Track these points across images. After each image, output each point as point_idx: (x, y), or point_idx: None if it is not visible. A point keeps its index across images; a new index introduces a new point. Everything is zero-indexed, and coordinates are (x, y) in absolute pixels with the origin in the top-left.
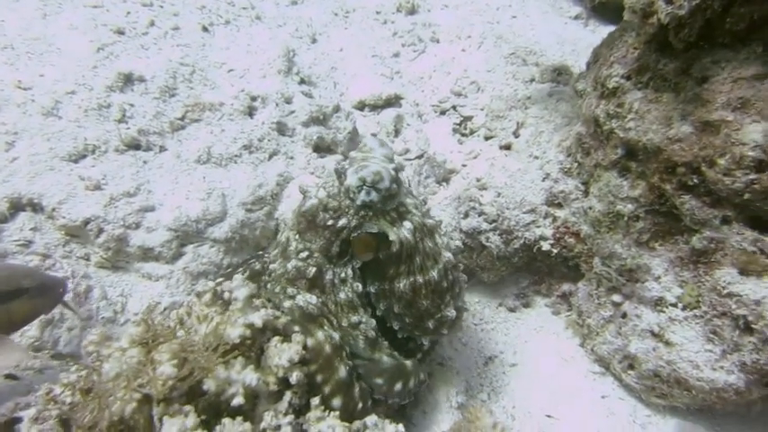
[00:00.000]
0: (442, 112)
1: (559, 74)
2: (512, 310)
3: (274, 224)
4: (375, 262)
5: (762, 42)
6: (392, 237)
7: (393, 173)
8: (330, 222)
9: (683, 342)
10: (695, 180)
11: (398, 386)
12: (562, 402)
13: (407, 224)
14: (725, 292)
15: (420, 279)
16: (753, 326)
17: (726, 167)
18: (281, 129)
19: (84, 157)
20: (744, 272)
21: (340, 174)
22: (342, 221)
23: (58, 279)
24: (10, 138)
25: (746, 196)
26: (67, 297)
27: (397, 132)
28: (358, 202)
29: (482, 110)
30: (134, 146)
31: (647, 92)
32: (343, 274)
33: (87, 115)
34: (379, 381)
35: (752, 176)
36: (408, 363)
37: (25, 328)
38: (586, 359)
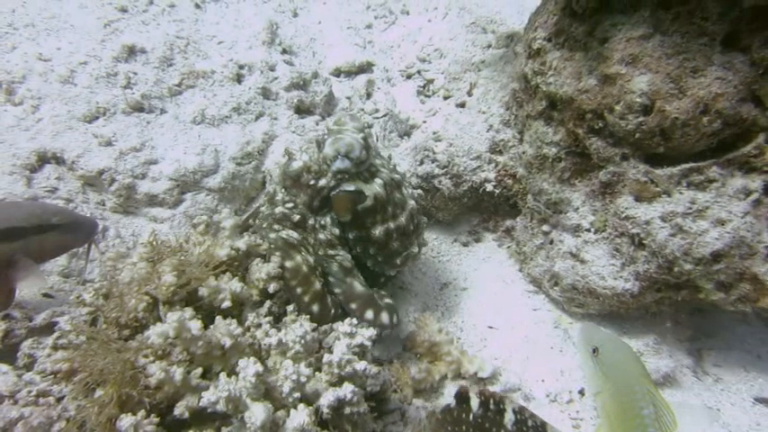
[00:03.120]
0: (409, 77)
1: (512, 40)
2: (465, 244)
3: (261, 176)
4: (354, 214)
5: (648, 8)
6: (367, 193)
7: (363, 142)
8: (312, 182)
9: (593, 259)
10: (600, 124)
11: (369, 314)
12: (502, 316)
13: (378, 181)
14: (623, 215)
15: (392, 225)
16: (644, 242)
17: (621, 112)
18: (266, 93)
19: (97, 118)
20: (638, 199)
21: (319, 144)
22: (322, 182)
23: (90, 219)
24: (35, 102)
25: (637, 136)
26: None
27: (368, 95)
28: (333, 169)
29: (442, 73)
30: (138, 108)
31: (563, 51)
32: (323, 222)
33: (98, 82)
34: (353, 306)
35: (640, 119)
36: (383, 301)
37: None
38: (523, 281)
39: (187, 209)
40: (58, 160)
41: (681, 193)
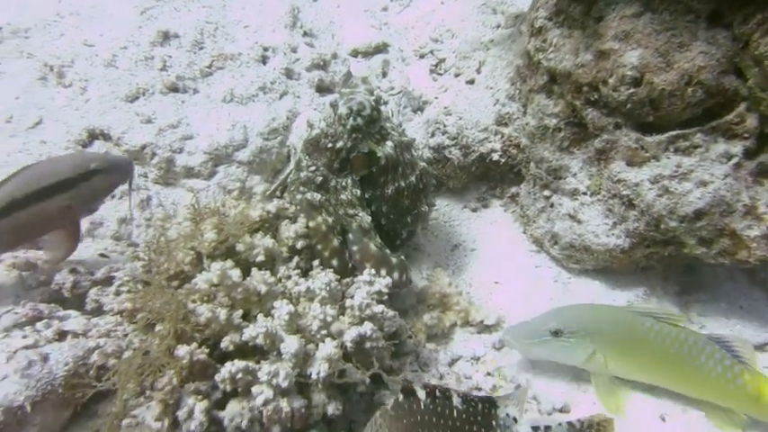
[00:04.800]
0: (422, 56)
1: (519, 20)
2: (473, 210)
3: (286, 150)
4: (369, 175)
5: None
6: (379, 154)
7: (373, 103)
8: (330, 145)
9: (589, 219)
10: (595, 96)
11: (383, 272)
12: (506, 273)
13: (389, 143)
14: (616, 179)
15: (402, 183)
16: (634, 202)
17: (614, 85)
18: (289, 73)
19: (138, 98)
20: (629, 163)
21: (334, 106)
22: (339, 144)
23: (125, 158)
24: (83, 84)
25: (629, 106)
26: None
27: (384, 74)
28: (348, 127)
29: (454, 53)
30: (174, 89)
31: (562, 29)
32: (343, 183)
33: (137, 65)
34: (368, 264)
35: (631, 90)
36: (395, 259)
37: (107, 223)
38: (526, 242)
39: (220, 180)
40: (105, 136)
41: (668, 157)
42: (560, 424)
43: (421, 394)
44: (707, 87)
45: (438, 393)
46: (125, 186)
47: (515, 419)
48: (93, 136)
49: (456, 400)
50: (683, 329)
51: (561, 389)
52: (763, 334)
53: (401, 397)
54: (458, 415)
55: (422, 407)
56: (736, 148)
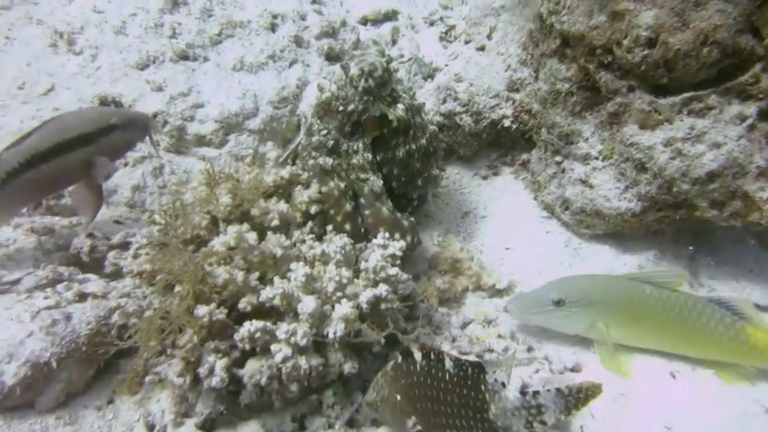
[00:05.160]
0: (431, 24)
1: None
2: (484, 177)
3: (296, 119)
4: (380, 137)
5: None
6: (391, 116)
7: (385, 64)
8: (341, 108)
9: (600, 184)
10: (609, 59)
11: (396, 236)
12: (517, 239)
13: (400, 105)
14: (629, 142)
15: (413, 146)
16: (646, 165)
17: (628, 46)
18: (298, 41)
19: (148, 65)
20: (642, 127)
21: (345, 68)
22: (350, 107)
23: (143, 114)
24: (93, 51)
25: (643, 68)
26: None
27: (393, 42)
28: (359, 89)
29: (464, 19)
30: (184, 57)
31: None
32: (355, 147)
33: (147, 33)
34: (381, 229)
35: (646, 52)
36: (406, 222)
37: (121, 191)
38: (537, 208)
39: (231, 148)
40: (117, 104)
41: (681, 120)
42: (548, 390)
43: (417, 356)
44: (723, 47)
45: (432, 356)
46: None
47: (504, 384)
48: (104, 103)
49: (448, 364)
50: (683, 294)
51: (572, 349)
52: None
53: (399, 358)
54: (449, 378)
55: (418, 369)
56: (751, 109)
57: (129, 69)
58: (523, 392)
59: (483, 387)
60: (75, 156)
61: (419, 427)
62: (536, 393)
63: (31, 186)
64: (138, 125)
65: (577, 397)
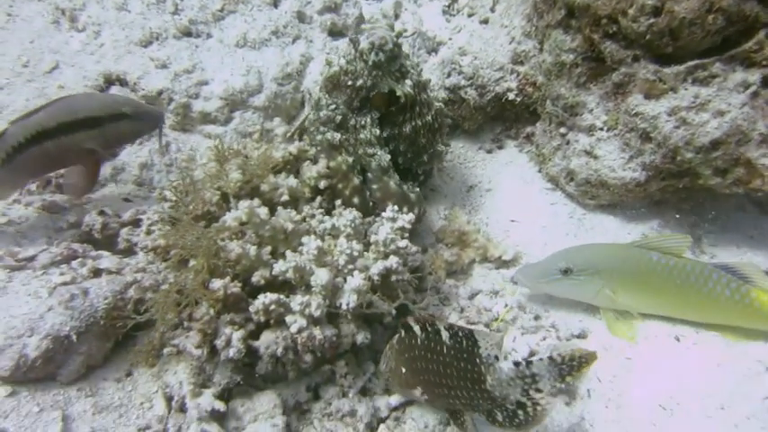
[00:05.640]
0: None
1: None
2: (488, 151)
3: (300, 96)
4: (387, 113)
5: None
6: (398, 92)
7: (395, 38)
8: (350, 83)
9: (605, 154)
10: (614, 28)
11: (404, 209)
12: (522, 211)
13: (408, 81)
14: (633, 112)
15: (419, 122)
16: (651, 135)
17: (633, 15)
18: (301, 17)
19: (151, 42)
20: (647, 96)
21: (354, 42)
22: (359, 82)
23: (156, 109)
24: (96, 28)
25: (648, 37)
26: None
27: (396, 16)
28: (369, 63)
29: None
30: (187, 33)
31: None
32: (363, 122)
33: (149, 9)
34: (389, 203)
35: (651, 20)
36: (412, 194)
37: (129, 168)
38: (542, 180)
39: (237, 125)
40: (122, 82)
41: (686, 89)
42: (541, 359)
43: (416, 328)
44: (728, 14)
45: (429, 327)
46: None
47: (497, 357)
48: (109, 81)
49: (444, 335)
50: (689, 260)
51: (578, 317)
52: None
53: (402, 333)
54: (447, 351)
55: (418, 342)
56: (755, 76)
57: (132, 46)
58: (517, 363)
59: (477, 360)
60: (80, 137)
61: (426, 397)
62: (529, 363)
63: (35, 163)
64: (149, 119)
65: (570, 364)
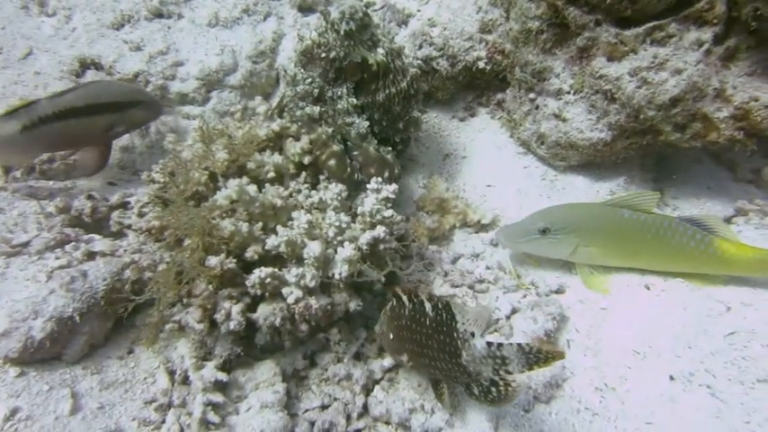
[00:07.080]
0: None
1: None
2: (461, 119)
3: (275, 73)
4: (360, 81)
5: None
6: (371, 61)
7: (364, 7)
8: (324, 55)
9: (573, 117)
10: None
11: (386, 174)
12: (497, 176)
13: (380, 50)
14: (598, 75)
15: (393, 90)
16: (615, 96)
17: None
18: None
19: (123, 25)
20: (610, 59)
21: (324, 14)
22: (333, 53)
23: (158, 100)
24: (66, 12)
25: (608, 1)
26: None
27: None
28: (341, 33)
29: None
30: (158, 14)
31: None
32: (339, 92)
33: None
34: (372, 170)
35: None
36: (389, 156)
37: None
38: (514, 145)
39: (215, 105)
40: (97, 66)
41: (645, 49)
42: (511, 344)
43: (404, 298)
44: None
45: (414, 297)
46: None
47: (473, 334)
48: (84, 65)
49: (427, 307)
50: (657, 215)
51: (555, 273)
52: (730, 208)
53: (394, 301)
54: (429, 323)
55: (405, 312)
56: (707, 34)
57: (104, 29)
58: (489, 343)
59: (455, 335)
60: (103, 120)
61: (411, 363)
62: (500, 345)
63: (55, 137)
64: (156, 108)
65: (537, 356)
